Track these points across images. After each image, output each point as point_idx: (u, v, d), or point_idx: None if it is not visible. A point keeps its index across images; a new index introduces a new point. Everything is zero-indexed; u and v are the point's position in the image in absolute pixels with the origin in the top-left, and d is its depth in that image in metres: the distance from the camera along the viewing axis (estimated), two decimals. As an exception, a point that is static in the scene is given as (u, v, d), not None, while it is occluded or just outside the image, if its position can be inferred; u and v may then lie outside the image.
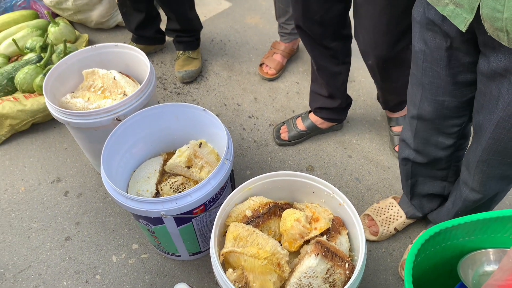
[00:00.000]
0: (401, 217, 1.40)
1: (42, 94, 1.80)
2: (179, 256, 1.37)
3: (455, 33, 0.84)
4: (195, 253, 1.37)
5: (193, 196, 1.09)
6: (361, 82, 1.93)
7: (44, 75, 1.76)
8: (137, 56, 1.52)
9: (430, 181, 1.28)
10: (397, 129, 1.66)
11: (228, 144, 1.19)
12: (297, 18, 1.35)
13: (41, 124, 1.84)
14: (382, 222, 1.41)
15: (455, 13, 0.78)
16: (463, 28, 0.77)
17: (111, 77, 1.45)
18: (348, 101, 1.67)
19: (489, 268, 0.95)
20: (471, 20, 0.75)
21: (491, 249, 0.95)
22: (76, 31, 2.17)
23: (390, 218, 1.41)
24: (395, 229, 1.41)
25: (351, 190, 1.56)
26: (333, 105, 1.60)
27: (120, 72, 1.52)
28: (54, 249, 1.45)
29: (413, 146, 1.19)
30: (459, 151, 1.16)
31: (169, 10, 1.85)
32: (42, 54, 1.94)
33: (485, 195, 1.09)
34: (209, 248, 1.39)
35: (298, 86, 1.97)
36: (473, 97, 0.96)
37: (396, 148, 1.63)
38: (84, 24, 2.28)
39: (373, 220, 1.42)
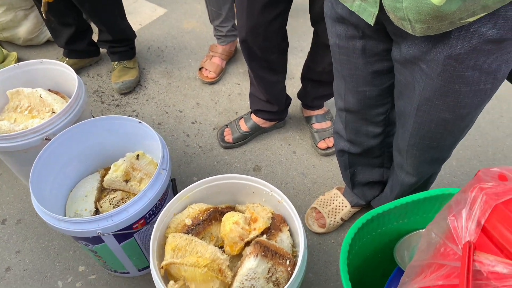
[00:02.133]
0: (346, 206, 1.43)
1: (-31, 120, 1.70)
2: (128, 273, 1.33)
3: (364, 25, 0.86)
4: (144, 268, 1.33)
5: (129, 211, 1.06)
6: (299, 79, 1.95)
7: (-31, 99, 1.66)
8: (64, 71, 1.45)
9: (368, 169, 1.31)
10: (317, 126, 1.70)
11: (164, 153, 1.17)
12: (243, 33, 1.33)
13: (-29, 151, 1.73)
14: (329, 214, 1.43)
15: (362, 7, 0.80)
16: (371, 21, 0.79)
17: (37, 95, 1.38)
18: (287, 103, 1.68)
19: (423, 247, 0.98)
20: (376, 13, 0.77)
21: (423, 230, 0.98)
22: (3, 49, 2.06)
23: (335, 209, 1.43)
24: (341, 219, 1.43)
25: (297, 185, 1.58)
26: (272, 109, 1.62)
27: (49, 90, 1.46)
28: (-6, 282, 1.37)
29: (346, 137, 1.21)
30: (389, 137, 1.19)
31: (98, 21, 1.80)
32: (-34, 77, 1.82)
33: (420, 178, 1.13)
34: (158, 261, 1.36)
35: (240, 87, 1.97)
36: (393, 84, 0.99)
37: (319, 145, 1.66)
38: (12, 41, 2.17)
39: (320, 212, 1.44)
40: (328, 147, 1.65)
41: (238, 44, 2.08)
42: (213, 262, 0.92)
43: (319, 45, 1.43)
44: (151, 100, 1.92)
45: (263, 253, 0.92)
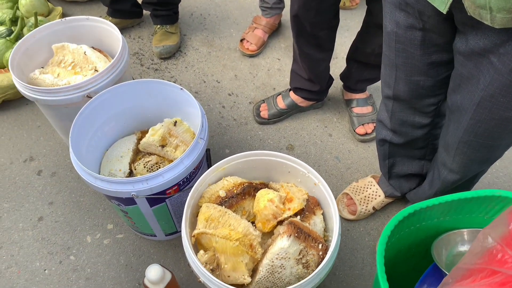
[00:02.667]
0: (379, 196, 1.39)
1: (13, 70, 1.73)
2: (155, 236, 1.35)
3: (430, 12, 0.80)
4: (171, 233, 1.35)
5: (165, 176, 1.06)
6: (343, 59, 1.89)
7: (15, 49, 1.68)
8: (110, 30, 1.45)
9: (408, 161, 1.27)
10: (357, 110, 1.65)
11: (203, 123, 1.15)
12: (296, 6, 1.29)
13: (13, 101, 1.77)
14: (361, 201, 1.40)
15: None
16: (444, 9, 0.73)
17: (81, 52, 1.38)
18: (329, 83, 1.63)
19: (463, 248, 0.94)
20: (451, 0, 0.71)
21: (465, 229, 0.94)
22: (49, 3, 2.07)
23: (368, 197, 1.40)
24: (373, 208, 1.40)
25: (330, 168, 1.54)
26: (313, 88, 1.57)
27: (92, 47, 1.45)
28: (27, 230, 1.41)
29: (390, 126, 1.17)
30: (436, 129, 1.14)
31: (145, -19, 1.77)
32: (12, 28, 1.84)
33: (464, 176, 1.08)
34: (185, 228, 1.37)
35: (280, 63, 1.92)
36: (449, 76, 0.93)
37: (357, 130, 1.61)
38: (58, -4, 2.18)
39: (352, 199, 1.41)
40: (367, 133, 1.60)
41: (283, 18, 2.03)
42: (245, 237, 0.91)
43: (372, 25, 1.36)
44: (190, 67, 1.90)
45: (296, 234, 0.90)
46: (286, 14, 2.08)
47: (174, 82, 1.83)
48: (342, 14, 2.12)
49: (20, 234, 1.40)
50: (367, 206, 1.39)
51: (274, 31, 2.02)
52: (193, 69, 1.89)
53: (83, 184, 1.52)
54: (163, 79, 1.84)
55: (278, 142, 1.63)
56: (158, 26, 1.93)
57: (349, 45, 1.55)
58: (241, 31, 2.05)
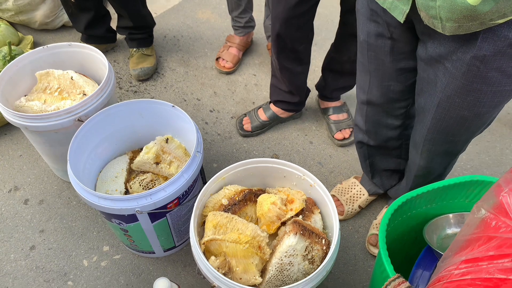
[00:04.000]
0: (363, 194, 1.48)
1: (-11, 101, 1.70)
2: (153, 253, 1.37)
3: (395, 23, 0.91)
4: (169, 249, 1.37)
5: (167, 190, 1.10)
6: (315, 71, 2.00)
7: (-10, 80, 1.67)
8: (93, 55, 1.48)
9: (386, 159, 1.37)
10: (334, 117, 1.76)
11: (198, 137, 1.20)
12: (277, 25, 1.37)
13: (-10, 132, 1.75)
14: (347, 201, 1.48)
15: (394, 5, 0.84)
16: (401, 19, 0.84)
17: (68, 77, 1.40)
18: (307, 94, 1.73)
19: (450, 231, 1.04)
20: (408, 11, 0.82)
21: (450, 214, 1.04)
22: (18, 33, 2.06)
23: (353, 197, 1.49)
24: (359, 206, 1.49)
25: (315, 174, 1.62)
26: (293, 100, 1.66)
27: (76, 72, 1.48)
28: (19, 260, 1.39)
29: (365, 129, 1.27)
30: (407, 129, 1.24)
31: (121, 7, 1.82)
32: (-16, 59, 1.82)
33: (432, 170, 1.17)
34: (183, 243, 1.40)
35: (256, 78, 2.01)
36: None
37: (336, 136, 1.72)
38: (27, 25, 2.17)
39: (339, 200, 1.49)
40: (345, 138, 1.71)
41: (254, 36, 2.12)
42: (254, 239, 0.96)
43: (346, 35, 1.48)
44: (169, 87, 1.94)
45: (301, 232, 0.96)
46: (257, 32, 2.18)
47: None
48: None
49: (12, 265, 1.38)
50: (353, 206, 1.48)
51: (247, 48, 2.11)
52: (172, 89, 1.94)
53: (74, 209, 1.52)
54: (144, 100, 1.88)
55: (263, 153, 1.70)
56: (134, 49, 1.97)
57: (318, 58, 1.65)
58: (215, 50, 2.13)
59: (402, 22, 0.84)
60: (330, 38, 1.67)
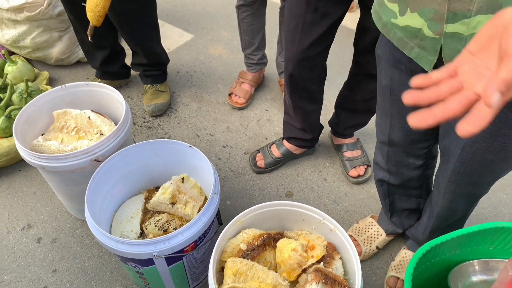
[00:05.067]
0: (381, 235, 1.46)
1: (4, 137, 1.72)
2: (168, 295, 1.34)
3: (420, 71, 0.91)
4: (183, 291, 1.35)
5: (185, 235, 1.08)
6: (326, 107, 2.01)
7: (7, 117, 1.69)
8: (109, 94, 1.50)
9: (406, 198, 1.35)
10: (348, 154, 1.75)
11: (215, 178, 1.20)
12: (290, 66, 1.38)
13: (5, 168, 1.75)
14: (364, 242, 1.46)
15: (421, 55, 0.85)
16: (429, 68, 0.85)
17: (85, 117, 1.41)
18: (320, 130, 1.73)
19: (475, 278, 1.01)
20: (435, 61, 0.83)
21: (475, 261, 1.01)
22: (34, 68, 2.10)
23: (371, 237, 1.46)
24: (376, 247, 1.46)
25: (330, 212, 1.61)
26: (306, 137, 1.67)
27: (93, 111, 1.49)
28: (31, 302, 1.37)
29: (386, 168, 1.26)
30: (429, 169, 1.24)
31: (136, 45, 1.85)
32: (1, 95, 1.85)
33: (454, 212, 1.16)
34: (197, 285, 1.37)
35: (268, 113, 2.02)
36: None
37: (351, 173, 1.70)
38: (43, 61, 2.22)
39: (356, 240, 1.47)
40: (359, 175, 1.69)
41: (266, 72, 2.15)
42: (275, 288, 0.94)
43: (360, 75, 1.49)
44: (182, 123, 1.96)
45: (323, 280, 0.94)
46: (268, 68, 2.21)
47: (168, 138, 1.88)
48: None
49: (23, 306, 1.36)
50: (370, 246, 1.45)
51: (259, 84, 2.13)
52: (185, 125, 1.95)
53: (87, 248, 1.50)
54: (157, 136, 1.89)
55: (277, 190, 1.69)
56: (149, 85, 2.00)
57: (330, 93, 1.66)
58: (227, 86, 2.15)
59: (429, 72, 0.85)
60: (342, 73, 1.69)
